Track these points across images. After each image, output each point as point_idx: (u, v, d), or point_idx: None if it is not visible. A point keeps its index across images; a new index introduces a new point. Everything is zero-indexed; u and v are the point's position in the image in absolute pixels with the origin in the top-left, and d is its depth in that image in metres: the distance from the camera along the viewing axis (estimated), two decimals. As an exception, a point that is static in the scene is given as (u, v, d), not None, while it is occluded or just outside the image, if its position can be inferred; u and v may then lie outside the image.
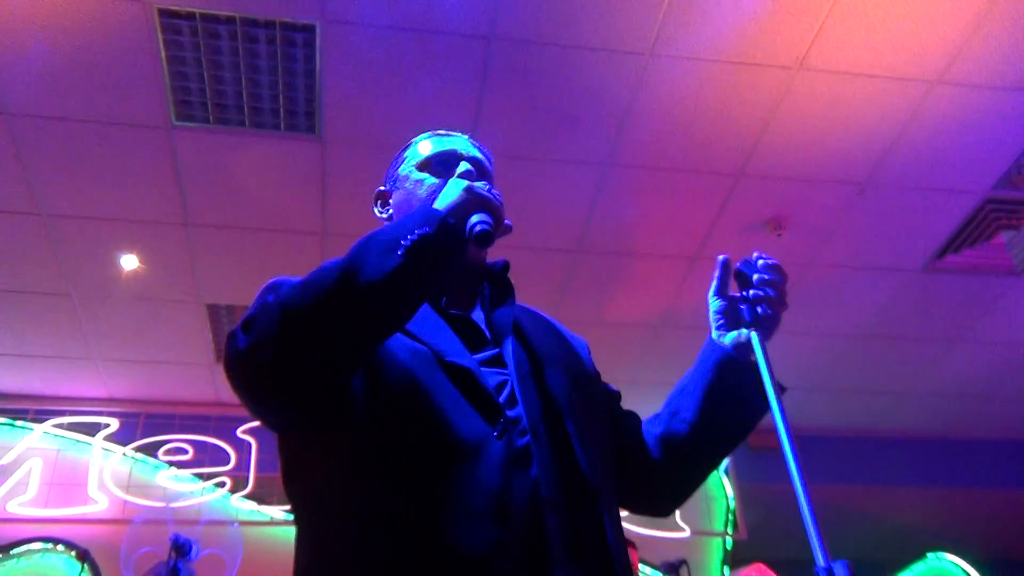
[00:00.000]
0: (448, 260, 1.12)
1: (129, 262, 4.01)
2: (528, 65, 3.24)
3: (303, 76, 3.24)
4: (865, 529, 6.14)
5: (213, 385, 4.95)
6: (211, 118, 3.36)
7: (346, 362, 1.10)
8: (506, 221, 1.26)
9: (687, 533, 5.27)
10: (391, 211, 1.44)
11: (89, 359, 4.69)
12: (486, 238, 1.13)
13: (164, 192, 3.65)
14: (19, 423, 4.85)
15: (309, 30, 3.07)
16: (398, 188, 1.44)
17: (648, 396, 1.48)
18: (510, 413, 1.15)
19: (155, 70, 3.15)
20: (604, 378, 1.46)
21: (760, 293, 1.34)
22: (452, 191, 1.18)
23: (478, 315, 1.34)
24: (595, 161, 3.66)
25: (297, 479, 1.22)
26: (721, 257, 1.39)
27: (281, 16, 3.02)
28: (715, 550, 5.38)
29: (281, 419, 1.20)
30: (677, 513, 5.32)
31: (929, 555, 5.84)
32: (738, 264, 1.38)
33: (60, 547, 4.47)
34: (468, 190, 1.17)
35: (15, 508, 4.55)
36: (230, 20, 3.02)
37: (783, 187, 3.80)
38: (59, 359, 4.69)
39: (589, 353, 1.45)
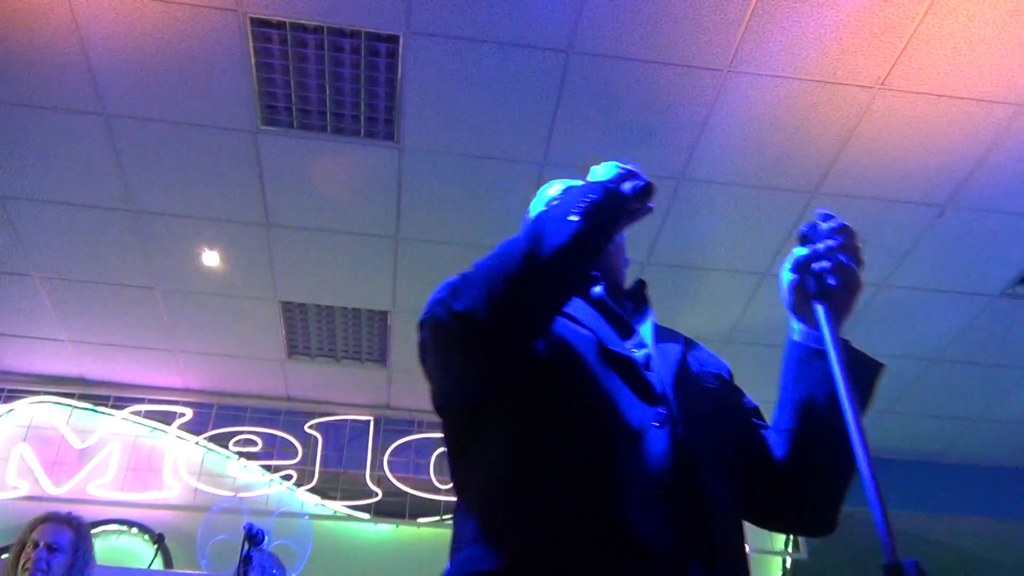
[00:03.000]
0: (616, 222, 1.24)
1: (211, 259, 4.16)
2: (605, 78, 3.27)
3: (384, 85, 3.32)
4: (931, 558, 5.94)
5: (284, 380, 5.09)
6: (295, 123, 3.47)
7: (543, 320, 1.20)
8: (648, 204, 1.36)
9: (747, 550, 5.19)
10: None
11: (168, 350, 4.87)
12: (647, 191, 1.24)
13: (247, 192, 3.79)
14: (100, 409, 5.06)
15: (393, 40, 3.15)
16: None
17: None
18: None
19: (245, 76, 3.27)
20: None
21: (824, 262, 1.22)
22: (608, 170, 1.29)
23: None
24: (668, 174, 3.66)
25: (465, 451, 1.29)
26: (817, 210, 1.27)
27: (366, 27, 3.11)
28: (774, 570, 5.31)
29: (476, 384, 1.24)
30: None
31: (998, 587, 5.67)
32: (801, 228, 1.23)
33: (135, 530, 4.65)
34: (618, 166, 1.29)
35: (94, 490, 4.74)
36: (317, 29, 3.12)
37: (860, 206, 3.74)
38: (140, 349, 4.88)
39: (730, 374, 1.47)
